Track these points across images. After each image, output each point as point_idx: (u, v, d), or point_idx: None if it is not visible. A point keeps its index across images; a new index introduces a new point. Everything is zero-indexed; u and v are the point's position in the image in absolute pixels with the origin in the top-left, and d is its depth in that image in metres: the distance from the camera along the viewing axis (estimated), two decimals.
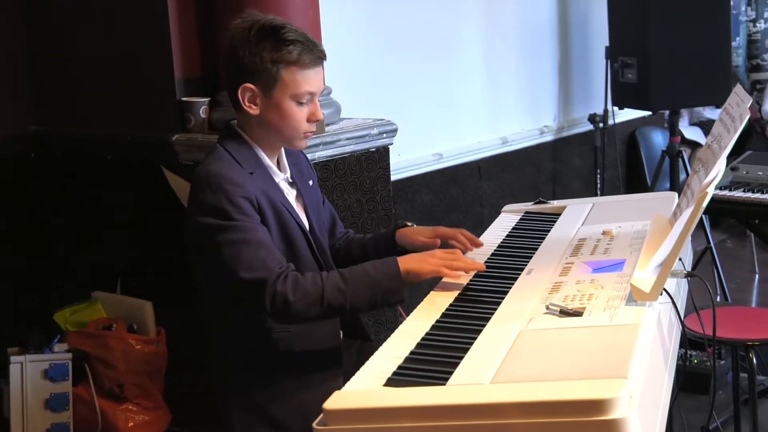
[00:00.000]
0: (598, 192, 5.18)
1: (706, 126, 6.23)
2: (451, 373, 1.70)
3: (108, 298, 3.62)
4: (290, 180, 2.37)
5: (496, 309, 2.01)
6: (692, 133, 6.15)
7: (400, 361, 1.82)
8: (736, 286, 5.29)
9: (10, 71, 3.77)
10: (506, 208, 2.91)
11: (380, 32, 4.20)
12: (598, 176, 5.19)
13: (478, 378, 1.65)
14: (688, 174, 4.25)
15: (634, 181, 5.76)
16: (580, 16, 5.41)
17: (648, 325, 1.81)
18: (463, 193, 4.64)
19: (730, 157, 3.51)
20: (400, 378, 1.75)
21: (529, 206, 2.88)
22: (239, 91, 2.24)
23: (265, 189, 2.24)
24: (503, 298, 2.07)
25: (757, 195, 3.63)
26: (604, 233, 2.43)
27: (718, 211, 4.32)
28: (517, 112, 5.01)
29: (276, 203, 2.25)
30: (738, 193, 3.67)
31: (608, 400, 1.48)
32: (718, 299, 4.69)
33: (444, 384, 1.67)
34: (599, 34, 5.29)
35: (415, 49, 4.36)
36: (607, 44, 4.98)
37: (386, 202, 3.55)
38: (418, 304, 2.14)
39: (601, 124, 5.13)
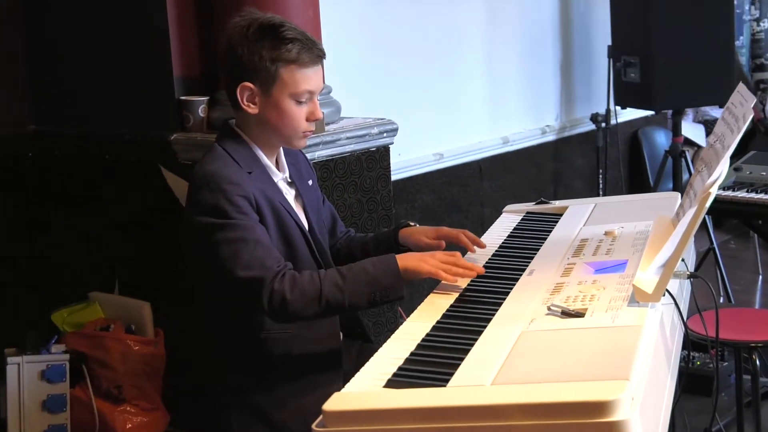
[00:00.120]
0: (600, 192, 5.17)
1: (710, 125, 6.20)
2: (451, 374, 1.69)
3: (106, 299, 3.61)
4: (289, 180, 2.36)
5: (497, 310, 2.00)
6: (693, 133, 6.12)
7: (400, 362, 1.81)
8: (739, 287, 5.27)
9: (9, 71, 3.77)
10: (507, 208, 2.90)
11: (381, 31, 4.19)
12: (600, 176, 5.17)
13: (479, 379, 1.64)
14: (690, 174, 4.23)
15: (637, 182, 5.75)
16: (582, 15, 5.40)
17: (650, 327, 1.80)
18: (464, 193, 4.62)
19: (734, 158, 3.49)
20: (400, 379, 1.74)
21: (530, 206, 2.87)
22: (238, 90, 2.22)
23: (263, 188, 2.22)
24: (504, 299, 2.06)
25: (761, 195, 3.61)
26: (606, 234, 2.43)
27: (722, 212, 4.32)
28: (519, 112, 4.99)
29: (274, 203, 2.24)
30: (741, 194, 3.65)
31: (610, 402, 1.47)
32: (721, 300, 4.68)
33: (445, 385, 1.66)
34: (601, 33, 5.27)
35: (416, 47, 4.35)
36: (610, 43, 4.96)
37: (386, 202, 3.54)
38: (419, 304, 2.13)
39: (603, 124, 5.12)
